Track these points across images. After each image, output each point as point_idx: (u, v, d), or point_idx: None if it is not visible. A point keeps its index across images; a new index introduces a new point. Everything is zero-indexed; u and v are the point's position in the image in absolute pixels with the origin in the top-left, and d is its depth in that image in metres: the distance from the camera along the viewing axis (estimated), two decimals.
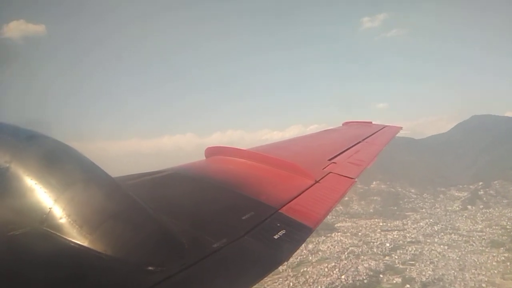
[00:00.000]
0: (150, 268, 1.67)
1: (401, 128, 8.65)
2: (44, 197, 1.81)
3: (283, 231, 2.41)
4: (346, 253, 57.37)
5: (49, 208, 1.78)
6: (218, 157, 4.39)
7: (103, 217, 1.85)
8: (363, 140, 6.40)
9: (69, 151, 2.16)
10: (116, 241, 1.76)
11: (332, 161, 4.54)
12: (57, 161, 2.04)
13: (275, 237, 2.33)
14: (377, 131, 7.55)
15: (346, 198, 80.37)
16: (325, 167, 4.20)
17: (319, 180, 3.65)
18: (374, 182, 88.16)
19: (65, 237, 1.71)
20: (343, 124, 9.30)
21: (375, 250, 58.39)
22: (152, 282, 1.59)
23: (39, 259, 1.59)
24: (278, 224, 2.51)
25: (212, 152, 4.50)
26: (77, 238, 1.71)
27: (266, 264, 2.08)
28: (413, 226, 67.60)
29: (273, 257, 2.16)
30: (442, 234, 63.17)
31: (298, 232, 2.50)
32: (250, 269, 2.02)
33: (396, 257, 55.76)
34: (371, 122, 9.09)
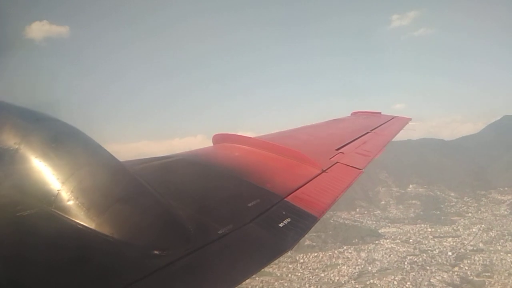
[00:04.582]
0: (155, 252, 1.69)
1: (410, 119, 8.43)
2: (53, 179, 1.81)
3: (288, 219, 2.40)
4: (406, 263, 52.44)
5: (58, 190, 1.78)
6: (225, 144, 4.31)
7: (110, 200, 1.85)
8: (371, 130, 6.26)
9: (78, 134, 2.16)
10: (123, 224, 1.76)
11: (340, 151, 4.48)
12: (66, 143, 2.04)
13: (280, 225, 2.32)
14: (385, 122, 7.38)
15: (383, 202, 76.16)
16: (332, 157, 4.14)
17: (326, 170, 3.62)
18: (410, 186, 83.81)
19: (72, 219, 1.72)
20: (351, 114, 9.06)
21: (439, 260, 53.53)
22: (157, 265, 1.61)
23: (46, 240, 1.59)
24: (284, 212, 2.50)
25: (220, 139, 4.44)
26: (85, 220, 1.71)
27: (271, 252, 2.09)
28: (466, 232, 63.33)
29: (277, 244, 2.16)
30: (502, 241, 58.95)
31: (303, 221, 2.49)
32: (254, 256, 2.03)
33: (466, 268, 51.30)
34: (380, 113, 8.87)
